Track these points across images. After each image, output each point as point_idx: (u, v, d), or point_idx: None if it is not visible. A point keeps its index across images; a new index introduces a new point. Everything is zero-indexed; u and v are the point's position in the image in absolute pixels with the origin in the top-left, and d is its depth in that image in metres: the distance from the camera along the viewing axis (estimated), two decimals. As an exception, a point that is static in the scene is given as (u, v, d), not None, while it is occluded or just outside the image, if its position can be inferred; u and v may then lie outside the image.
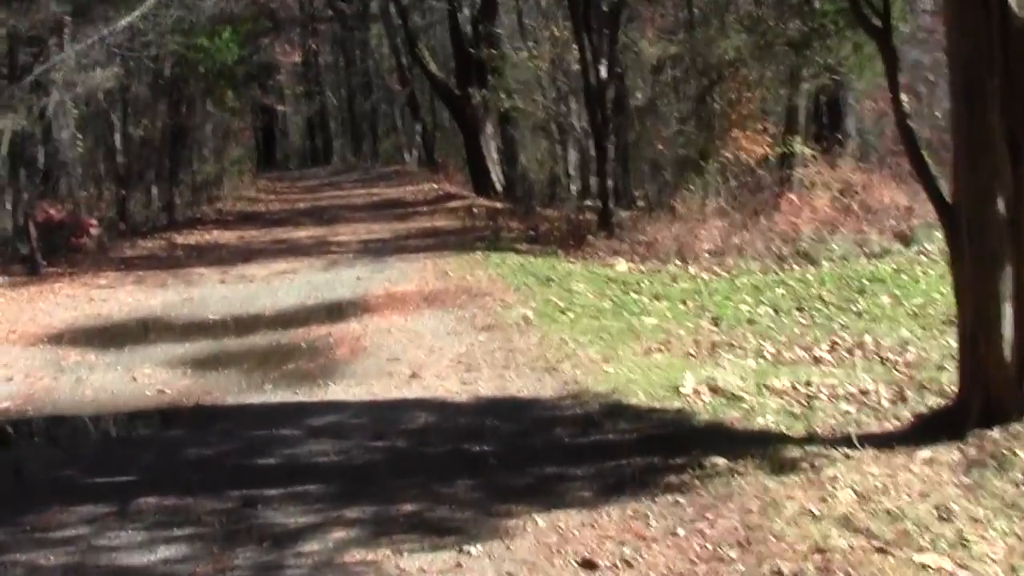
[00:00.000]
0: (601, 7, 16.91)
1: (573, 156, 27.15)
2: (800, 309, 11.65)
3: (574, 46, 19.78)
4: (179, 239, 19.58)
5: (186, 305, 13.23)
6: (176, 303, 13.38)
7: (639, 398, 7.79)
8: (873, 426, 7.11)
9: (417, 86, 33.39)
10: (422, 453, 6.99)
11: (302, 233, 19.80)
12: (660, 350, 9.61)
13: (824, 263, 14.42)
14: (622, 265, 14.75)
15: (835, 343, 9.81)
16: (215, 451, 7.30)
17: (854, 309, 11.52)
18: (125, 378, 9.58)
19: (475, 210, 21.02)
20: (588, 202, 22.04)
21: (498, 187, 23.73)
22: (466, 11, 24.62)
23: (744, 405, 7.59)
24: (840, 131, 20.50)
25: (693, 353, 9.50)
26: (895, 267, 13.87)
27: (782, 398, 7.87)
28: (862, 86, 20.98)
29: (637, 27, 19.82)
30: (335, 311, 12.23)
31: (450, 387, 8.47)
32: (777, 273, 13.99)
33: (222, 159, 28.92)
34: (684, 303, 12.09)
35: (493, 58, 21.71)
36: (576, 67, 20.07)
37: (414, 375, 8.89)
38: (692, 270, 14.28)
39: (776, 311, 11.58)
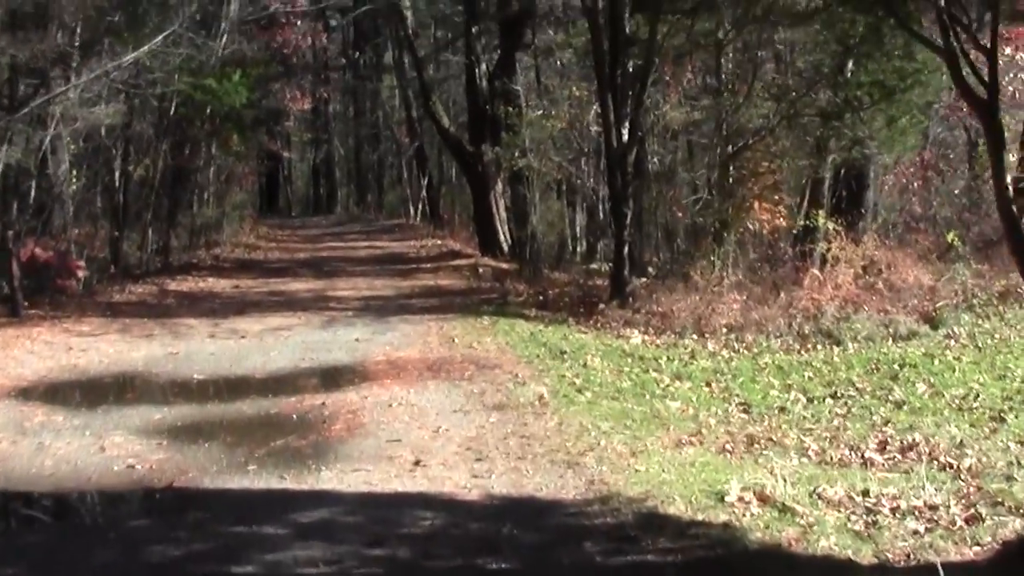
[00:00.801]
0: (627, 68, 15.87)
1: (581, 218, 26.19)
2: (834, 396, 10.58)
3: (594, 107, 18.88)
4: (172, 285, 18.43)
5: (170, 361, 12.04)
6: (160, 358, 12.19)
7: (678, 506, 6.65)
8: (951, 551, 6.03)
9: (426, 140, 32.48)
10: (428, 569, 5.81)
11: (300, 285, 18.68)
12: (692, 443, 8.47)
13: (849, 344, 13.31)
14: (637, 338, 13.68)
15: (884, 442, 8.71)
16: (184, 551, 6.09)
17: (891, 399, 10.45)
18: (93, 447, 8.37)
19: (481, 270, 19.95)
20: (595, 265, 21.02)
21: (505, 247, 22.65)
22: (483, 66, 23.60)
23: (799, 520, 6.46)
24: (861, 206, 19.46)
25: (729, 448, 8.36)
26: (925, 351, 12.78)
27: (839, 511, 6.77)
28: (885, 160, 20.07)
29: (659, 90, 18.81)
30: (331, 377, 11.07)
31: (459, 480, 7.30)
32: (800, 353, 12.91)
33: (223, 203, 27.87)
34: (708, 385, 11.01)
35: (509, 115, 20.69)
36: (594, 128, 19.16)
37: (418, 462, 7.72)
38: (711, 346, 13.19)
39: (809, 398, 10.50)
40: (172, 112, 21.78)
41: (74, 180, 18.74)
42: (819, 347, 13.16)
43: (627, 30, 15.93)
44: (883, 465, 8.05)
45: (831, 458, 8.19)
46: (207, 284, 18.92)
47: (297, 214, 43.07)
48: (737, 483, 6.98)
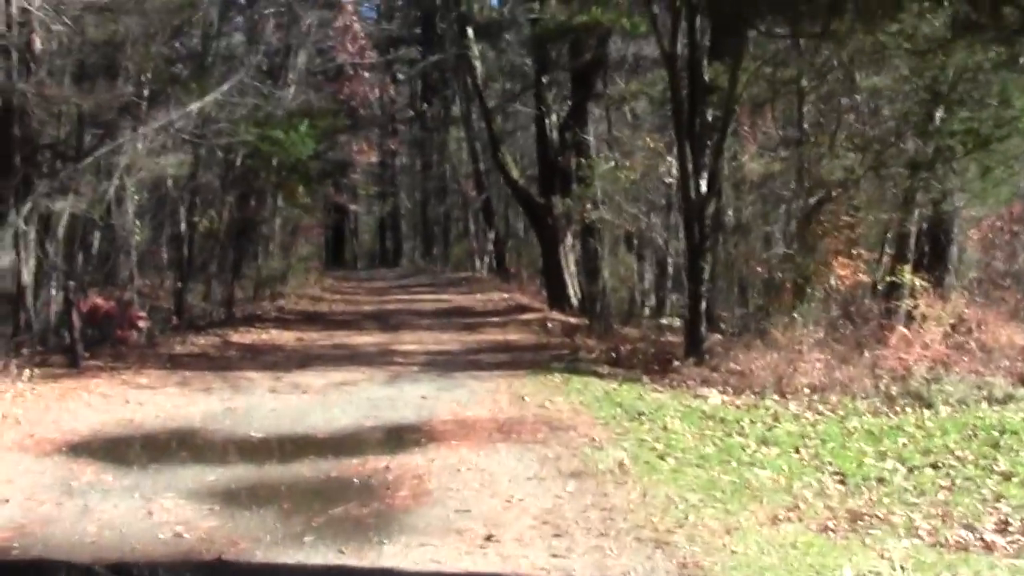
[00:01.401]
0: (706, 116, 15.15)
1: (650, 272, 25.45)
2: (935, 467, 9.59)
3: (668, 158, 18.20)
4: (235, 337, 17.91)
5: (228, 417, 11.41)
6: (218, 414, 11.56)
7: (786, 597, 5.83)
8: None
9: (493, 192, 31.96)
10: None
11: (365, 339, 18.07)
12: (789, 519, 7.62)
13: (941, 407, 12.34)
14: (715, 397, 12.85)
15: (1004, 522, 7.77)
16: (229, 640, 5.39)
17: (997, 470, 9.46)
18: (140, 511, 7.70)
19: (550, 325, 19.24)
20: (665, 320, 20.26)
21: (574, 301, 21.91)
22: (554, 117, 23.00)
23: (925, 617, 5.62)
24: (944, 262, 18.50)
25: (832, 527, 7.48)
26: (1025, 416, 11.78)
27: (970, 607, 5.90)
28: (969, 214, 19.14)
29: (736, 141, 18.04)
30: (396, 437, 10.37)
31: (536, 560, 6.49)
32: (890, 416, 11.96)
33: (289, 255, 27.44)
34: (797, 451, 10.10)
35: (581, 166, 20.01)
36: (667, 180, 18.46)
37: (489, 537, 6.93)
38: (793, 407, 12.30)
39: (908, 468, 9.54)
40: (238, 163, 21.43)
41: (138, 231, 18.31)
42: (909, 410, 12.20)
43: (705, 77, 15.26)
44: (1007, 549, 7.14)
45: (946, 540, 7.28)
46: (270, 336, 18.39)
47: (363, 267, 42.76)
48: (851, 571, 6.14)
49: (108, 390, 12.80)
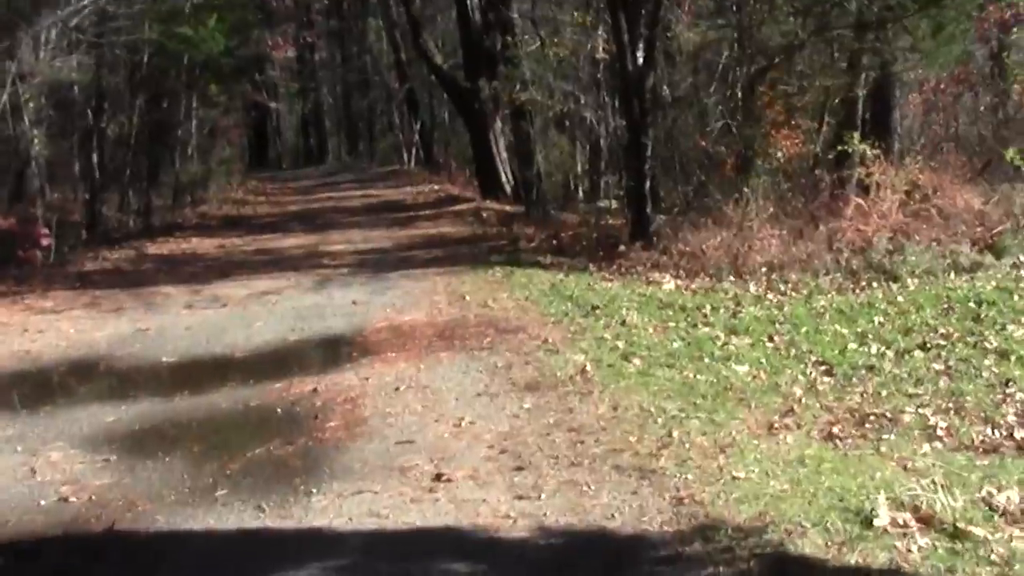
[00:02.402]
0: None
1: (582, 155, 24.03)
2: (923, 348, 8.43)
3: (598, 32, 16.72)
4: (151, 248, 16.23)
5: (138, 340, 9.87)
6: (127, 337, 10.00)
7: (812, 540, 4.54)
8: None
9: (416, 82, 30.17)
10: None
11: (291, 241, 16.51)
12: (786, 426, 6.36)
13: (908, 279, 11.25)
14: (669, 283, 11.66)
15: (1026, 413, 6.60)
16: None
17: (989, 347, 8.36)
18: (22, 470, 6.21)
19: (484, 214, 17.82)
20: (603, 203, 18.94)
21: (507, 188, 20.43)
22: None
23: (987, 554, 4.39)
24: (888, 128, 17.25)
25: (837, 433, 6.24)
26: (997, 285, 10.68)
27: (1025, 528, 4.69)
28: (911, 77, 17.86)
29: (669, 10, 16.48)
30: (324, 352, 8.95)
31: (497, 504, 5.14)
32: (856, 292, 10.83)
33: (209, 159, 25.50)
34: (771, 339, 8.89)
35: (507, 46, 18.33)
36: (598, 54, 17.00)
37: (439, 476, 5.57)
38: (753, 289, 11.17)
39: (895, 352, 8.34)
40: (145, 64, 19.52)
41: (36, 142, 16.39)
42: (875, 284, 11.12)
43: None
44: (1044, 448, 5.97)
45: (971, 440, 6.08)
46: (190, 245, 16.73)
47: (287, 166, 40.74)
48: (883, 496, 4.87)
49: (6, 318, 11.17)
